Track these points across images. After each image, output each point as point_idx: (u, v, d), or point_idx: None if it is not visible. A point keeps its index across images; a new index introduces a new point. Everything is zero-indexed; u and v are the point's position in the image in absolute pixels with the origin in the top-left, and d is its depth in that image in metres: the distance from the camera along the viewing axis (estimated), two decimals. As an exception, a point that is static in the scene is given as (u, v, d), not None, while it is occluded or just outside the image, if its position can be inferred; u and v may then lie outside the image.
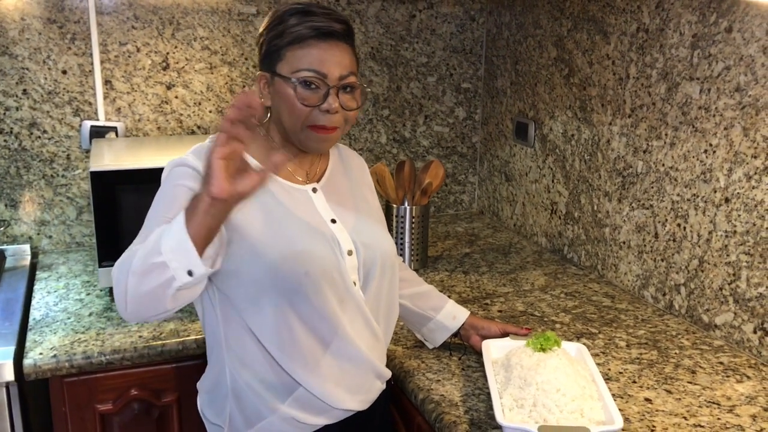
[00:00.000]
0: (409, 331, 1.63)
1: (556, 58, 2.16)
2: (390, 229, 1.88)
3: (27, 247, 2.13)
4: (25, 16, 2.03)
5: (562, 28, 2.12)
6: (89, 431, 1.60)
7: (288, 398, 1.24)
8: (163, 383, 1.64)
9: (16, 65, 2.05)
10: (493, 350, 1.43)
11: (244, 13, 2.24)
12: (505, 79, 2.46)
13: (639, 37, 1.82)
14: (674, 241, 1.76)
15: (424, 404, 1.39)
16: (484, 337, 1.49)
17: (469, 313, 1.54)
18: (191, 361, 1.64)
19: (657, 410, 1.34)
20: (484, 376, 1.44)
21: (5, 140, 2.08)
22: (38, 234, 2.17)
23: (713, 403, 1.37)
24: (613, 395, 1.35)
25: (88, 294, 1.85)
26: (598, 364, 1.46)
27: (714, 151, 1.62)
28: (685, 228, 1.73)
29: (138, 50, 2.15)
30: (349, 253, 1.27)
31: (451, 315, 1.53)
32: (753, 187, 1.53)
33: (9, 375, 1.51)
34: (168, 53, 2.19)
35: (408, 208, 2.06)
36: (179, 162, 1.22)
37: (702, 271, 1.68)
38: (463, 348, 1.57)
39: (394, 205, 2.07)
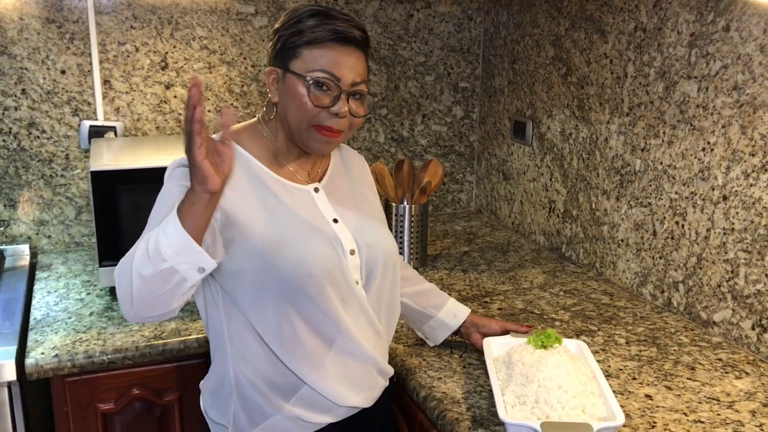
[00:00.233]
0: (410, 330, 1.63)
1: (553, 57, 2.17)
2: (389, 228, 1.89)
3: (26, 247, 2.13)
4: (23, 15, 2.03)
5: (559, 28, 2.13)
6: (91, 430, 1.60)
7: (292, 397, 1.25)
8: (164, 382, 1.64)
9: (15, 65, 2.05)
10: (494, 348, 1.43)
11: (242, 13, 2.25)
12: (502, 78, 2.47)
13: (637, 36, 1.83)
14: (672, 238, 1.77)
15: (426, 402, 1.39)
16: (485, 335, 1.50)
17: (469, 311, 1.55)
18: (193, 360, 1.64)
19: (657, 406, 1.35)
20: (485, 374, 1.45)
21: (4, 140, 2.08)
22: (37, 234, 2.16)
23: (713, 399, 1.38)
24: (614, 392, 1.36)
25: (89, 293, 1.85)
26: (598, 361, 1.47)
27: (712, 149, 1.64)
28: (683, 226, 1.74)
29: (137, 50, 2.15)
30: (352, 252, 1.28)
31: (452, 313, 1.54)
32: (751, 185, 1.55)
33: (11, 374, 1.51)
34: (167, 53, 2.19)
35: (407, 207, 2.07)
36: (181, 162, 1.22)
37: (700, 269, 1.70)
38: (463, 346, 1.58)
39: (393, 204, 2.07)
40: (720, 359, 1.55)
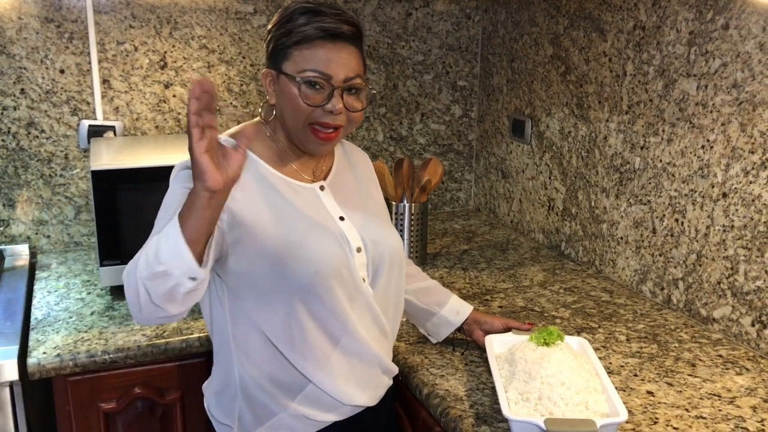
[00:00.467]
0: (412, 327, 1.64)
1: (552, 56, 2.18)
2: (390, 227, 1.89)
3: (25, 247, 2.13)
4: (22, 15, 2.02)
5: (558, 26, 2.14)
6: (93, 430, 1.60)
7: (298, 395, 1.25)
8: (166, 381, 1.64)
9: (14, 64, 2.04)
10: (497, 345, 1.44)
11: (241, 12, 2.25)
12: (501, 76, 2.47)
13: (636, 35, 1.83)
14: (672, 236, 1.78)
15: (429, 399, 1.40)
16: (487, 332, 1.51)
17: (472, 308, 1.56)
18: (195, 359, 1.64)
19: (659, 402, 1.36)
20: (488, 371, 1.45)
21: (3, 140, 2.07)
22: (36, 234, 2.16)
23: (714, 395, 1.39)
24: (616, 388, 1.37)
25: (89, 293, 1.85)
26: (599, 358, 1.48)
27: (711, 147, 1.64)
28: (683, 223, 1.74)
29: (136, 49, 2.15)
30: (358, 250, 1.28)
31: (455, 310, 1.54)
32: (750, 182, 1.55)
33: (13, 374, 1.51)
34: (166, 52, 2.19)
35: (407, 205, 2.07)
36: (186, 164, 1.21)
37: (700, 266, 1.70)
38: (465, 343, 1.58)
39: (393, 203, 2.08)
40: (720, 356, 1.55)
